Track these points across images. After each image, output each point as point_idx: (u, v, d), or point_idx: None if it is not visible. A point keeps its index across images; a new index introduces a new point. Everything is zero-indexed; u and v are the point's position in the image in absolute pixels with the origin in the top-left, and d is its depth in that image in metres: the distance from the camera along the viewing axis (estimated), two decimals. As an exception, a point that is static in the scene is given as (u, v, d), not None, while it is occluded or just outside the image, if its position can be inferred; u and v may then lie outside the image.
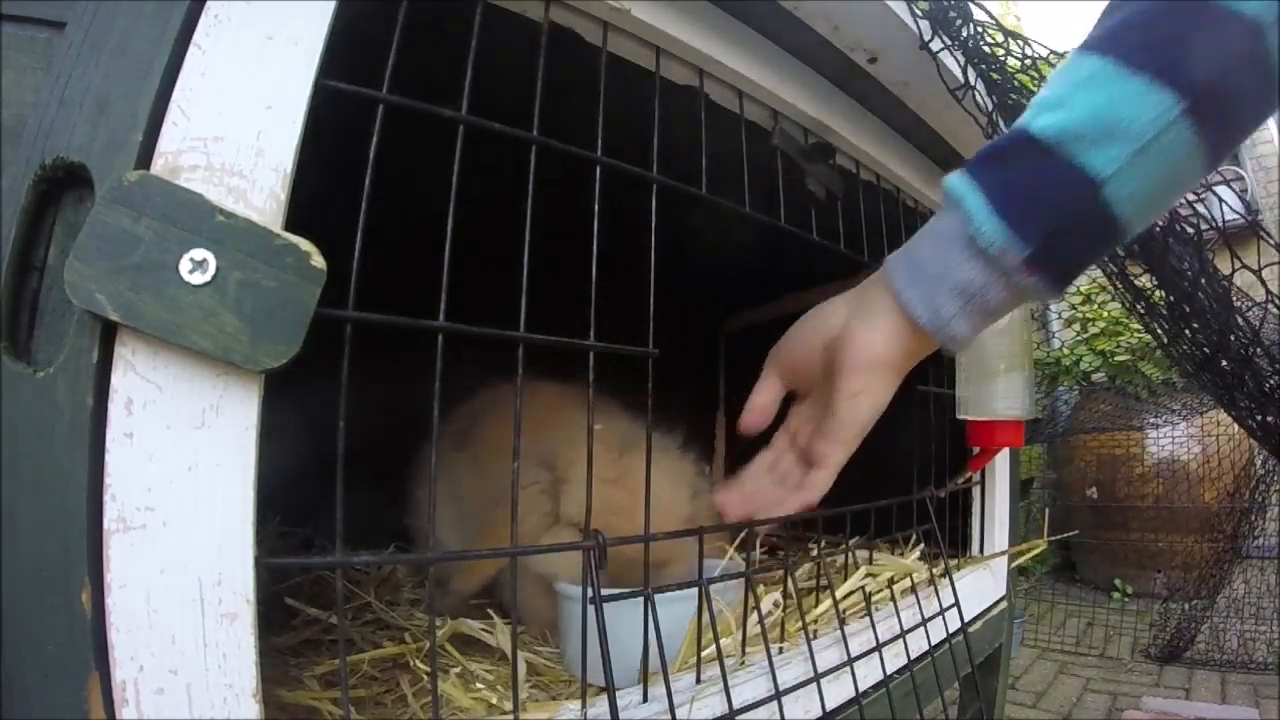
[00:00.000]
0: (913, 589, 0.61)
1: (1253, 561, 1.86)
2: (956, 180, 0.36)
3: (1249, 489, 1.84)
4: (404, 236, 0.61)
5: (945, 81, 0.55)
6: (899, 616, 0.57)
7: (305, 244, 0.26)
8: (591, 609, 0.39)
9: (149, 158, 0.26)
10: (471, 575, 0.56)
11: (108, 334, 0.25)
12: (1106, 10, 0.35)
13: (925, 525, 0.66)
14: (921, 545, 0.67)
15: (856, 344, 0.39)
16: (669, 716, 0.39)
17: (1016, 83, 0.56)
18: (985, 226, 0.34)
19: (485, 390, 0.71)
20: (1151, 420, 2.25)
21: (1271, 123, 3.30)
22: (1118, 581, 2.42)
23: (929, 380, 0.65)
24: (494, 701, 0.43)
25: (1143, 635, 1.97)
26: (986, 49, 0.55)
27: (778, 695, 0.43)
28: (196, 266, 0.25)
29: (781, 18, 0.47)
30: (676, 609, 0.48)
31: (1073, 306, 2.69)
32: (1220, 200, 0.62)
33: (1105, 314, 2.56)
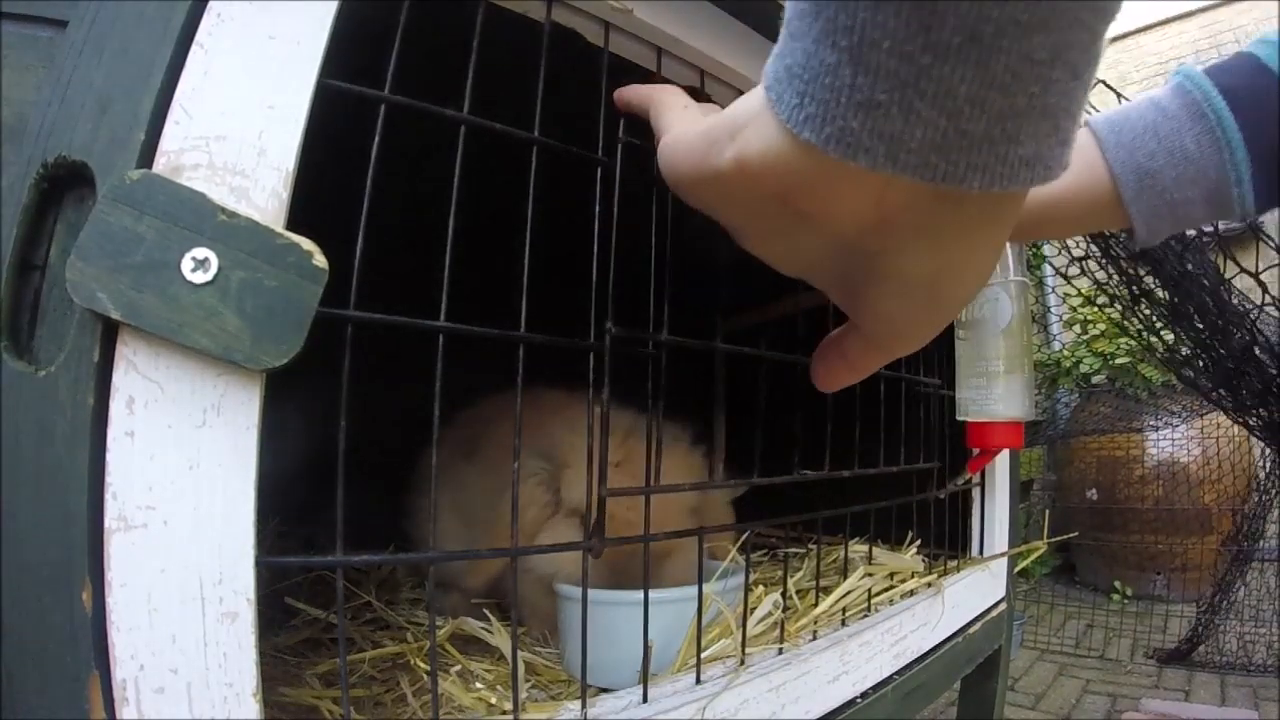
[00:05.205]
0: (912, 591, 0.61)
1: (1252, 564, 1.86)
2: (1230, 121, 0.34)
3: (1257, 491, 1.84)
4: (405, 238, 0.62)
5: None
6: (899, 617, 0.57)
7: (307, 243, 0.26)
8: (591, 608, 0.39)
9: (151, 157, 0.26)
10: (479, 572, 0.56)
11: (109, 333, 0.25)
12: None
13: (925, 526, 0.66)
14: (919, 543, 0.67)
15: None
16: (669, 717, 0.39)
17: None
18: (1248, 196, 0.34)
19: (491, 397, 0.71)
20: (1151, 422, 2.26)
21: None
22: (1117, 583, 2.42)
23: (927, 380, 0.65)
24: (493, 701, 0.43)
25: (1143, 637, 1.97)
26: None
27: (778, 696, 0.43)
28: (198, 265, 0.25)
29: (782, 19, 0.47)
30: (677, 609, 0.48)
31: (1073, 309, 2.69)
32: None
33: (1106, 316, 2.56)
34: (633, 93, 0.35)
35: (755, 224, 0.24)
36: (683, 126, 0.26)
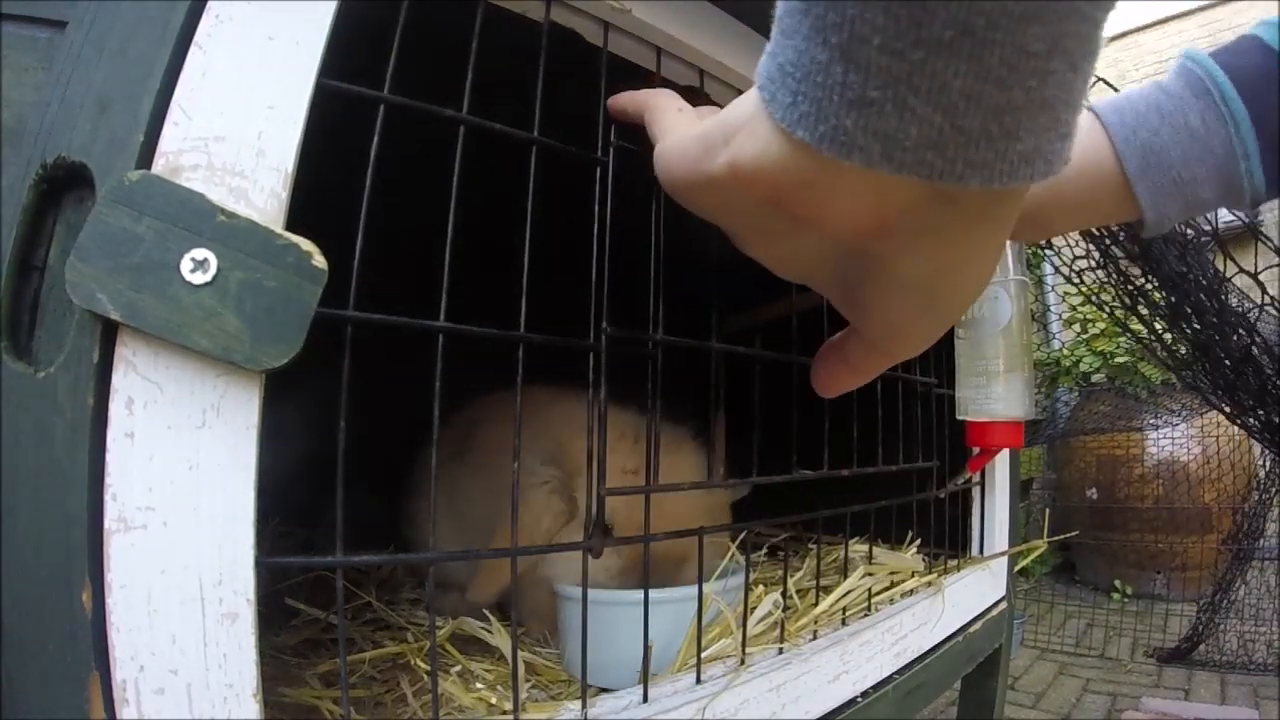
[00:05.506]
0: (912, 590, 0.61)
1: (1252, 562, 1.86)
2: (1234, 95, 0.33)
3: (1257, 490, 1.84)
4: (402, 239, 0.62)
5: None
6: (899, 616, 0.57)
7: (306, 244, 0.26)
8: (591, 608, 0.39)
9: (150, 158, 0.26)
10: (490, 584, 0.55)
11: (109, 334, 0.25)
12: None
13: (925, 526, 0.66)
14: (919, 542, 0.67)
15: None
16: (669, 717, 0.39)
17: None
18: (1256, 172, 0.33)
19: (482, 398, 0.71)
20: (1151, 421, 2.26)
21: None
22: (1117, 582, 2.42)
23: (926, 377, 0.65)
24: (493, 701, 0.43)
25: (1143, 636, 1.97)
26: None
27: (778, 695, 0.43)
28: (198, 266, 0.25)
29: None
30: (677, 609, 0.48)
31: (1073, 308, 2.69)
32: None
33: (1104, 316, 2.56)
34: (627, 99, 0.35)
35: (752, 229, 0.24)
36: (678, 131, 0.26)
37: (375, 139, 0.30)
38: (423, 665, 0.48)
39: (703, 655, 0.43)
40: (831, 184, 0.18)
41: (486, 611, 0.53)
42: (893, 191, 0.18)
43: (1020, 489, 0.92)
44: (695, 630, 0.44)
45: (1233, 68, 0.34)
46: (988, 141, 0.16)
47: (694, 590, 0.44)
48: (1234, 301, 0.84)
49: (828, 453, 0.51)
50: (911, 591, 0.61)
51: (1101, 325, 2.58)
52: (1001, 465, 0.77)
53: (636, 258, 0.40)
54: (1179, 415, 2.13)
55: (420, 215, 0.49)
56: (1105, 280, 0.94)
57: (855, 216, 0.19)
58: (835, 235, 0.21)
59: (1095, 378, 2.58)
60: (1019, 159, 0.16)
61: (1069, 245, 1.00)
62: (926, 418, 0.66)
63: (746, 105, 0.20)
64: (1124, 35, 3.69)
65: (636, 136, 0.38)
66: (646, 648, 0.39)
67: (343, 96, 0.29)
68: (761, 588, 0.55)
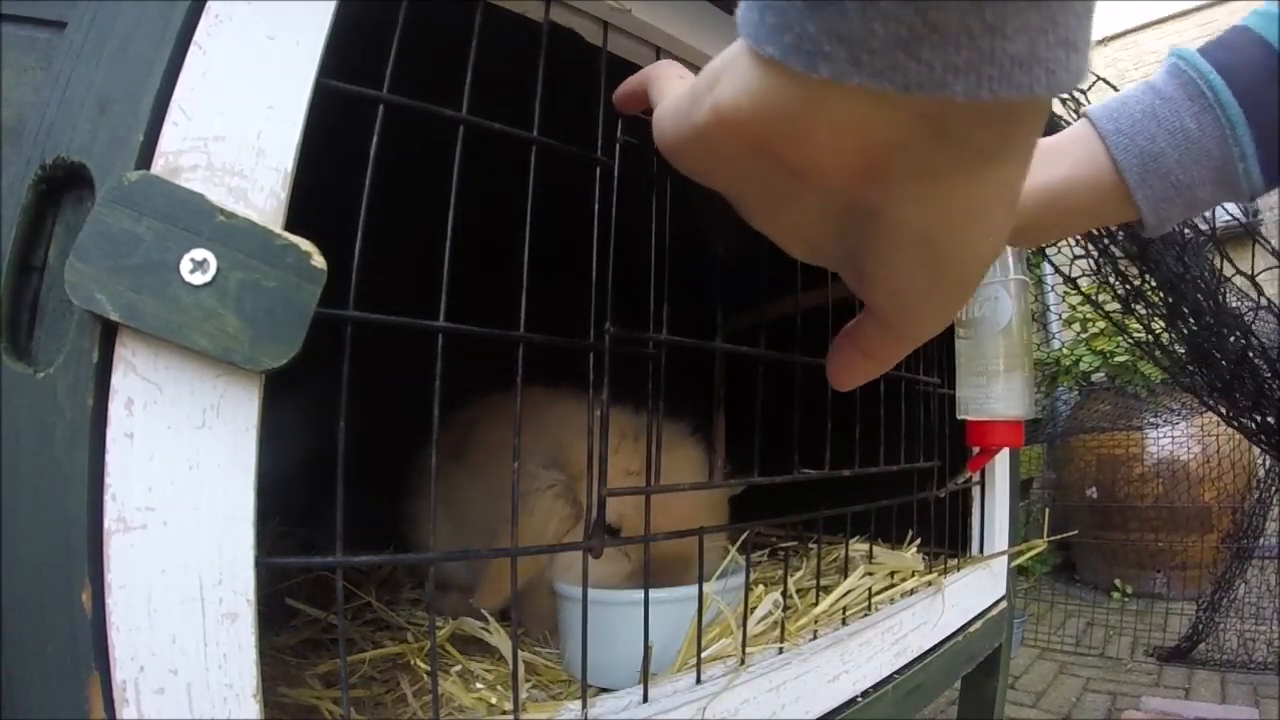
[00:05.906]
0: (912, 590, 0.61)
1: (1252, 561, 1.86)
2: (1228, 97, 0.33)
3: (1257, 489, 1.85)
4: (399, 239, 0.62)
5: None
6: (899, 616, 0.57)
7: (306, 244, 0.26)
8: (591, 608, 0.39)
9: (150, 158, 0.26)
10: (496, 592, 0.54)
11: (108, 334, 0.25)
12: None
13: (925, 525, 0.66)
14: (919, 541, 0.67)
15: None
16: (669, 717, 0.39)
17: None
18: (1254, 171, 0.34)
19: (481, 398, 0.71)
20: (1151, 420, 2.26)
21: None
22: (1117, 581, 2.42)
23: (927, 375, 0.65)
24: (494, 701, 0.43)
25: (1143, 635, 1.97)
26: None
27: (778, 695, 0.43)
28: (197, 266, 0.25)
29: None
30: (677, 609, 0.48)
31: (1072, 307, 2.69)
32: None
33: (1102, 316, 2.56)
34: (632, 80, 0.34)
35: (749, 187, 0.23)
36: (674, 93, 0.24)
37: (375, 139, 0.30)
38: (423, 665, 0.48)
39: (703, 655, 0.43)
40: (812, 115, 0.17)
41: (486, 612, 0.53)
42: (876, 122, 0.17)
43: (1020, 488, 0.92)
44: (695, 630, 0.44)
45: (1225, 65, 0.34)
46: (968, 39, 0.14)
47: (694, 590, 0.44)
48: (1233, 302, 0.84)
49: (829, 453, 0.51)
50: (911, 591, 0.61)
51: (1101, 325, 2.58)
52: (1001, 465, 0.77)
53: (637, 257, 0.40)
54: (1179, 414, 2.14)
55: (420, 215, 0.49)
56: (1103, 281, 0.94)
57: (842, 156, 0.18)
58: (827, 185, 0.19)
59: (1095, 377, 2.59)
60: (1010, 63, 0.14)
61: (1068, 245, 1.00)
62: (927, 418, 0.66)
63: (730, 49, 0.20)
64: (1123, 35, 3.70)
65: (641, 133, 0.38)
66: (647, 648, 0.39)
67: (342, 96, 0.29)
68: (761, 588, 0.55)
